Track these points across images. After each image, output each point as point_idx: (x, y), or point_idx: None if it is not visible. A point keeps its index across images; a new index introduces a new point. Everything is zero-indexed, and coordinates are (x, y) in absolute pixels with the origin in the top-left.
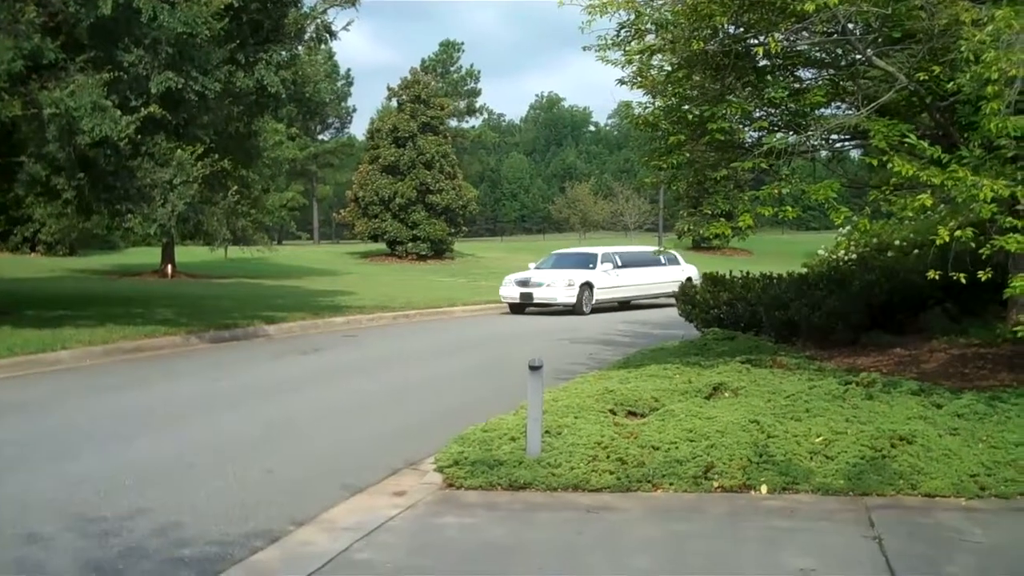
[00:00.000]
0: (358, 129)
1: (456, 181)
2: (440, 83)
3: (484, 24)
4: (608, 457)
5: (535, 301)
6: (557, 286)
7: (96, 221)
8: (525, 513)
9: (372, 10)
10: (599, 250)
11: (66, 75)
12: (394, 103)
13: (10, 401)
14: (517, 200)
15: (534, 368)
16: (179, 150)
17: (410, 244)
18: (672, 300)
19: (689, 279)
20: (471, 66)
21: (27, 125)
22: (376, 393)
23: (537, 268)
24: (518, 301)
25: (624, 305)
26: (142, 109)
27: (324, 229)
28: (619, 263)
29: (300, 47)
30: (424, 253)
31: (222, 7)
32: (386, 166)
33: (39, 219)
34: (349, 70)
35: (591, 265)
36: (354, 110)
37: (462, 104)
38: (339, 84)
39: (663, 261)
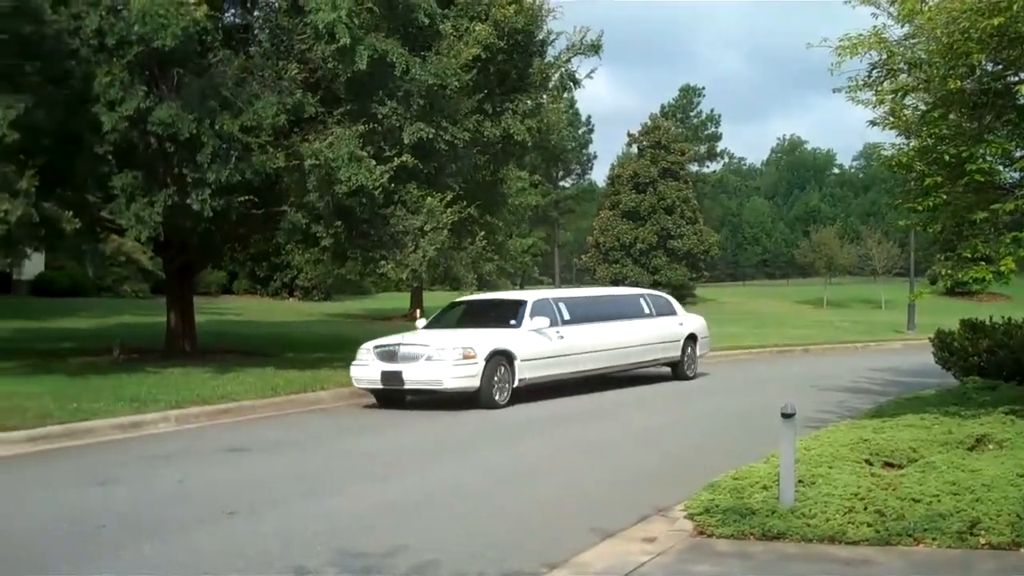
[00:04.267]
0: (599, 175)
1: (697, 226)
2: (680, 128)
3: (725, 68)
4: (865, 509)
5: (406, 385)
6: (443, 359)
7: (351, 267)
8: (780, 564)
9: (613, 57)
10: (529, 296)
11: (325, 128)
12: (634, 149)
13: (274, 439)
14: (759, 244)
15: (786, 416)
16: (429, 198)
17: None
18: (667, 368)
19: (692, 336)
20: (711, 111)
21: (289, 176)
22: (621, 436)
23: (427, 328)
24: (379, 386)
25: (587, 382)
26: (395, 159)
27: (565, 274)
28: (566, 316)
29: (544, 96)
30: None
31: (470, 59)
32: (627, 211)
33: (297, 265)
34: (590, 117)
35: (513, 321)
36: (595, 156)
37: (702, 148)
38: (580, 131)
39: (647, 311)
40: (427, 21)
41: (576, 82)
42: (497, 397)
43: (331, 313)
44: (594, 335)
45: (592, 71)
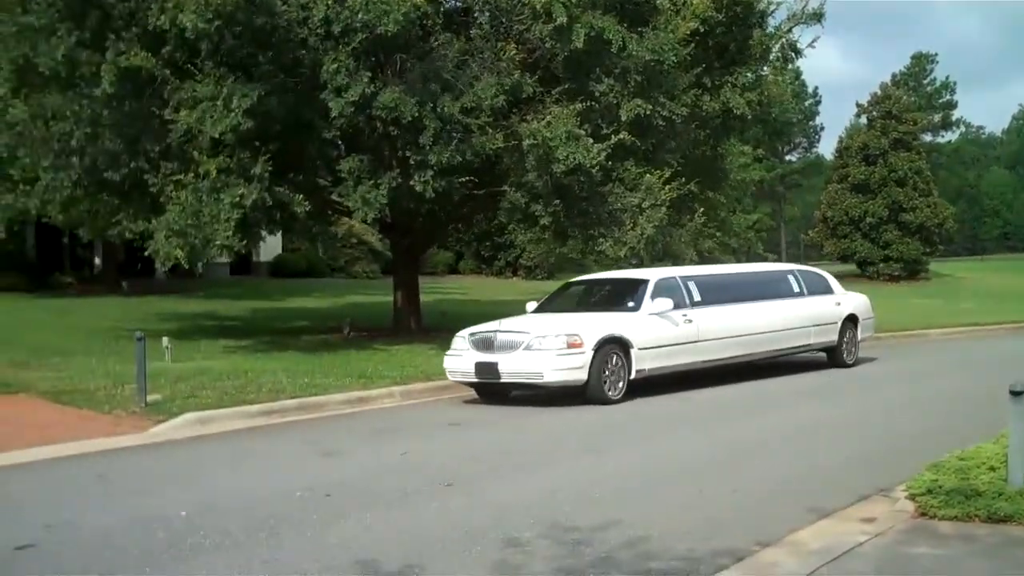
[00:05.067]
0: (826, 148)
1: (931, 198)
2: (912, 97)
3: (960, 33)
4: None
5: (502, 379)
6: (544, 348)
7: (571, 245)
8: (1007, 549)
9: (840, 25)
10: (652, 274)
11: (542, 107)
12: (863, 120)
13: (492, 415)
14: (999, 217)
15: (1015, 393)
16: (647, 175)
17: (881, 264)
18: (823, 353)
19: (852, 317)
20: (946, 78)
21: (508, 156)
22: (840, 416)
23: (536, 311)
24: (474, 379)
25: (721, 373)
26: (612, 136)
27: (792, 250)
28: (696, 297)
29: (765, 68)
30: (896, 273)
31: (688, 33)
32: (855, 185)
33: (519, 245)
34: (816, 88)
35: (631, 303)
36: (822, 128)
37: (936, 118)
38: (806, 103)
39: (797, 289)
40: None
41: (798, 52)
42: (609, 391)
43: (552, 291)
44: (730, 318)
45: (815, 40)
